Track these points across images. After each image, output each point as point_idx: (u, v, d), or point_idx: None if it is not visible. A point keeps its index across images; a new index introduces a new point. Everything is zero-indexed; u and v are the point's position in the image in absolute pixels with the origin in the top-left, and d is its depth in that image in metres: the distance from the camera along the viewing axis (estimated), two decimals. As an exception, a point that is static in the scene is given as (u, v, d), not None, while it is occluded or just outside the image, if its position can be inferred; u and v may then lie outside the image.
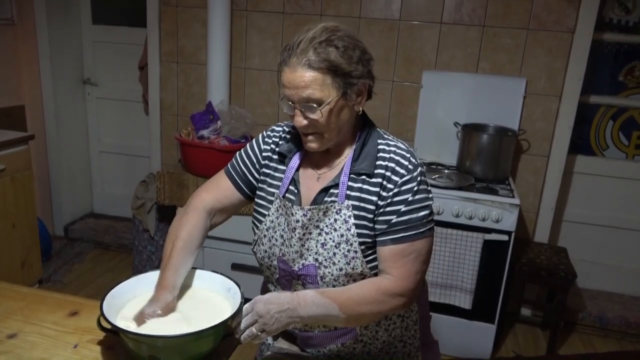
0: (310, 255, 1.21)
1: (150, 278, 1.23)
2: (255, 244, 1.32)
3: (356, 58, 1.13)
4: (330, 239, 1.19)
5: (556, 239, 3.06)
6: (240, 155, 1.35)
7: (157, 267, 1.22)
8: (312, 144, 1.18)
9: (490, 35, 2.72)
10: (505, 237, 2.36)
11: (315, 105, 1.12)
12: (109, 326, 1.04)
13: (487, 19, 2.70)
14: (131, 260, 3.22)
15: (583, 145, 2.97)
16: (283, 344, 1.40)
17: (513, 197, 2.40)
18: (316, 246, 1.20)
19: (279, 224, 1.26)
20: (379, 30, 2.84)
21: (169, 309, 1.15)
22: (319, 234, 1.20)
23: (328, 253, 1.19)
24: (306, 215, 1.20)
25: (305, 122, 1.14)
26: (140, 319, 1.12)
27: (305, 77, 1.10)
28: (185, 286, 1.25)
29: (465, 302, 2.43)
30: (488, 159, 2.61)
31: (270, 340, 1.41)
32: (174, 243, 1.23)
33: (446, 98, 2.79)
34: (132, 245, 3.17)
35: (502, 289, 2.43)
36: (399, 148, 1.21)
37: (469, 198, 2.39)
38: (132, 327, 1.07)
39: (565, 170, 2.80)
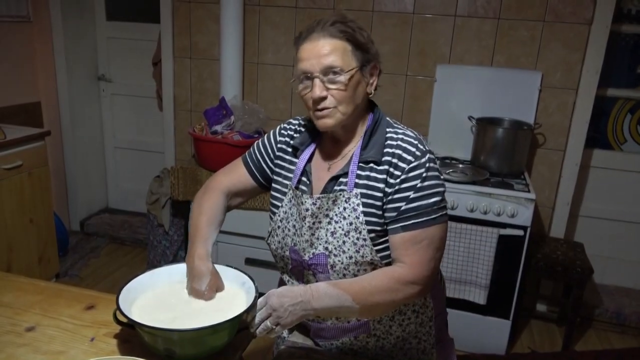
0: (320, 244, 1.22)
1: (165, 272, 1.24)
2: (270, 235, 1.33)
3: (368, 37, 1.20)
4: (340, 227, 1.19)
5: (572, 234, 3.02)
6: (258, 145, 1.38)
7: (171, 262, 1.23)
8: (327, 120, 1.18)
9: (506, 28, 2.69)
10: (520, 232, 2.34)
11: (337, 73, 1.14)
12: (125, 320, 1.05)
13: (502, 11, 2.67)
14: (146, 255, 3.25)
15: (600, 139, 2.92)
16: (297, 338, 1.40)
17: (528, 191, 2.37)
18: (326, 235, 1.21)
19: (291, 215, 1.27)
20: (392, 24, 2.82)
21: (215, 274, 1.20)
22: (329, 223, 1.21)
23: (338, 242, 1.20)
24: (315, 204, 1.21)
25: (324, 92, 1.15)
26: (201, 297, 1.17)
27: (328, 45, 1.14)
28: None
29: (480, 297, 2.41)
30: (503, 153, 2.58)
31: (285, 333, 1.42)
32: (199, 218, 1.28)
33: (460, 92, 2.76)
34: (147, 240, 3.20)
35: (518, 284, 2.41)
36: (406, 135, 1.21)
37: (483, 192, 2.37)
38: (148, 319, 1.08)
39: (581, 165, 2.76)
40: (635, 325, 2.83)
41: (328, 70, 1.14)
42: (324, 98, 1.15)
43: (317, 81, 1.14)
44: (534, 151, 2.79)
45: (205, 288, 1.17)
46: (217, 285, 1.19)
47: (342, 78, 1.14)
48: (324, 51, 1.14)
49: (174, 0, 3.10)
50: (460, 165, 2.70)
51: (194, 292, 1.18)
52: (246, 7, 2.96)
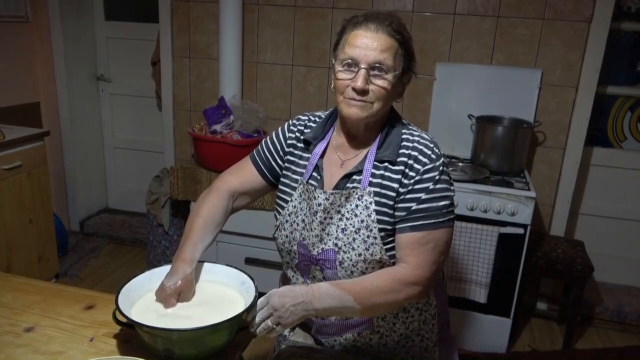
0: (330, 240, 1.22)
1: (165, 272, 1.23)
2: (277, 229, 1.33)
3: (413, 48, 1.24)
4: (351, 224, 1.20)
5: (572, 232, 3.02)
6: (266, 142, 1.38)
7: (171, 262, 1.23)
8: (357, 111, 1.17)
9: (505, 26, 2.68)
10: (520, 231, 2.33)
11: (384, 71, 1.15)
12: (124, 320, 1.05)
13: (501, 9, 2.66)
14: (146, 255, 3.25)
15: (600, 137, 2.92)
16: (298, 337, 1.40)
17: (529, 189, 2.37)
18: (336, 231, 1.21)
19: (301, 209, 1.27)
20: (392, 23, 2.81)
21: (187, 281, 1.17)
22: (340, 219, 1.21)
23: (348, 238, 1.20)
24: (328, 200, 1.21)
25: (367, 85, 1.15)
26: (161, 293, 1.15)
27: (384, 42, 1.15)
28: (200, 279, 1.25)
29: (480, 296, 2.41)
30: (503, 151, 2.58)
31: (286, 332, 1.42)
32: (194, 220, 1.27)
33: (460, 90, 2.76)
34: (146, 240, 3.19)
35: (518, 282, 2.40)
36: (422, 138, 1.22)
37: (483, 191, 2.37)
38: (147, 319, 1.07)
39: (581, 163, 2.76)
40: (636, 323, 2.82)
41: (376, 66, 1.15)
42: (366, 90, 1.15)
43: (363, 72, 1.14)
44: (534, 149, 2.79)
45: (169, 287, 1.15)
46: (183, 292, 1.16)
47: (389, 77, 1.16)
48: (380, 46, 1.14)
49: (172, 0, 3.09)
50: (460, 164, 2.69)
51: (159, 288, 1.17)
52: (245, 5, 2.96)
